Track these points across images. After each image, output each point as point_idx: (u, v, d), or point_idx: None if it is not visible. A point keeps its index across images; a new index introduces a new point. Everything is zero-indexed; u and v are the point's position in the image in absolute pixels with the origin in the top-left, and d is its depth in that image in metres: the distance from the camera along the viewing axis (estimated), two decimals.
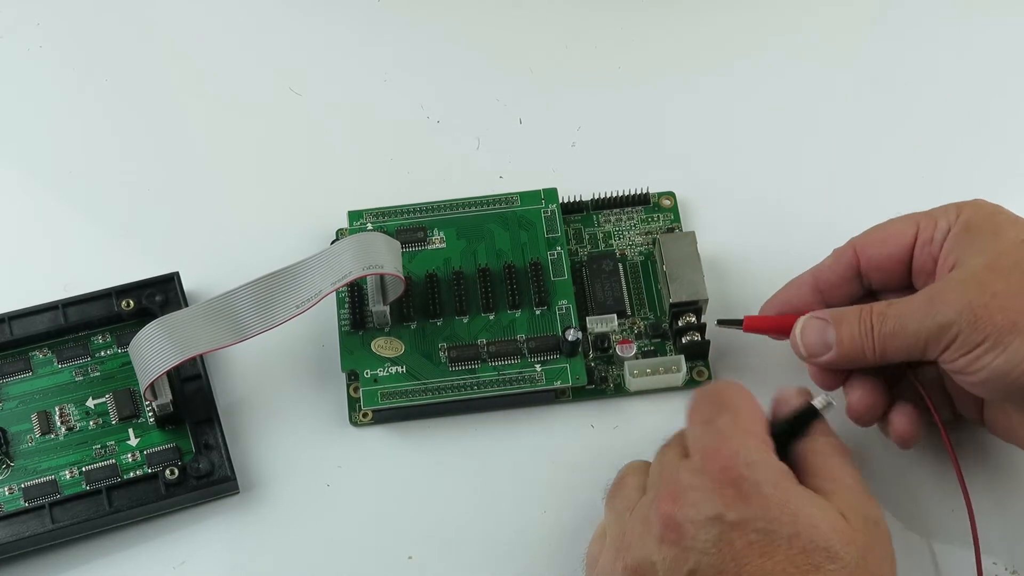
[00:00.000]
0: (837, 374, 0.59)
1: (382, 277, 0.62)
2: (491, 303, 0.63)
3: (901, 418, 0.58)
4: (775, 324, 0.60)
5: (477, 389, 0.62)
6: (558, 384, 0.62)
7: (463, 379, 0.62)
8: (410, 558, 0.59)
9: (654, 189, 0.67)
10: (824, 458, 0.54)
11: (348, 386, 0.63)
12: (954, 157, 0.69)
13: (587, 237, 0.66)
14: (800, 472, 0.53)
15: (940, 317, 0.54)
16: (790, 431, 0.55)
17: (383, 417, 0.62)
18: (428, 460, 0.62)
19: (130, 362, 0.61)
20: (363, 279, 0.62)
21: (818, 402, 0.55)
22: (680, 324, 0.62)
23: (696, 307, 0.63)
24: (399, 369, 0.62)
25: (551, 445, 0.62)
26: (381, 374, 0.62)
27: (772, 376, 0.62)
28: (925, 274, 0.58)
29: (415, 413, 0.62)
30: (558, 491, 0.60)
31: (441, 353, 0.63)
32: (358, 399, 0.62)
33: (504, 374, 0.62)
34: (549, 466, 0.61)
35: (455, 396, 0.61)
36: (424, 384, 0.62)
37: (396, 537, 0.60)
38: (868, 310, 0.56)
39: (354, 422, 0.62)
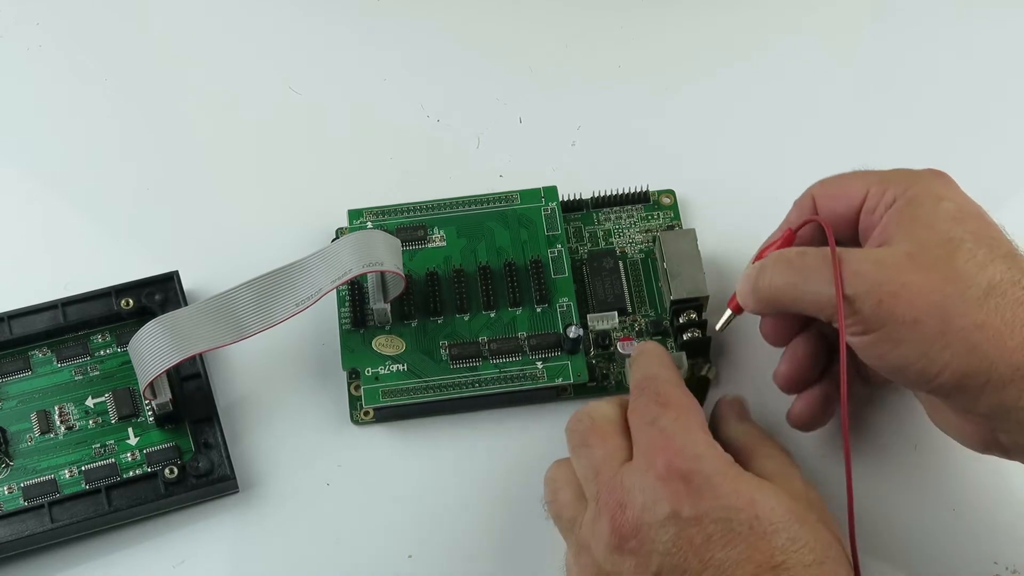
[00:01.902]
0: (780, 332, 0.58)
1: (382, 275, 0.62)
2: (492, 301, 0.63)
3: (803, 399, 0.58)
4: None
5: (478, 387, 0.61)
6: (559, 381, 0.62)
7: (464, 377, 0.62)
8: (410, 557, 0.59)
9: (653, 187, 0.67)
10: (755, 443, 0.54)
11: (349, 384, 0.63)
12: (955, 155, 0.69)
13: (587, 235, 0.66)
14: (736, 458, 0.53)
15: (845, 288, 0.52)
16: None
17: (384, 415, 0.62)
18: (429, 458, 0.62)
19: (129, 361, 0.61)
20: (363, 278, 0.62)
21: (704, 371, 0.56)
22: (681, 321, 0.62)
23: (697, 304, 0.63)
24: (400, 367, 0.62)
25: (553, 442, 0.61)
26: (382, 372, 0.62)
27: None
28: (865, 240, 0.56)
29: (416, 411, 0.62)
30: None
31: (442, 351, 0.62)
32: (359, 397, 0.62)
33: (506, 371, 0.62)
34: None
35: (457, 394, 0.61)
36: (425, 382, 0.62)
37: (396, 536, 0.60)
38: (781, 256, 0.55)
39: (355, 420, 0.62)
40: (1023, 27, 0.74)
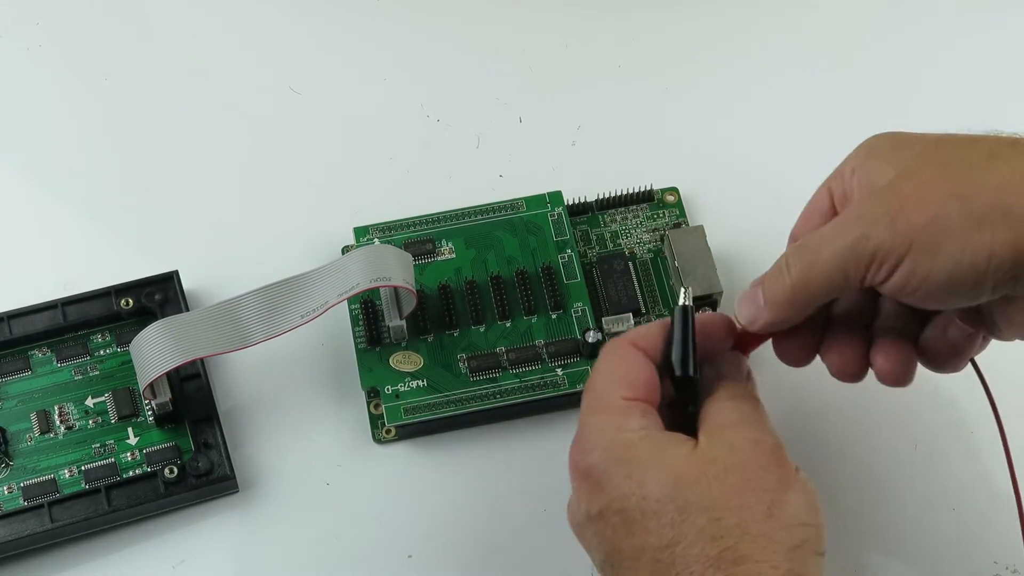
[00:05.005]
0: (806, 346, 0.53)
1: (396, 292, 0.61)
2: (506, 310, 0.63)
3: (885, 359, 0.52)
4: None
5: (500, 398, 0.61)
6: (580, 387, 0.61)
7: (485, 389, 0.61)
8: (410, 556, 0.59)
9: (655, 185, 0.67)
10: (706, 398, 0.51)
11: (368, 403, 0.62)
12: None
13: (594, 238, 0.66)
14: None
15: (853, 232, 0.48)
16: (684, 353, 0.51)
17: (407, 432, 0.62)
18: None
19: (129, 361, 0.61)
20: (376, 296, 0.62)
21: (681, 300, 0.52)
22: None
23: (711, 300, 0.62)
24: (420, 383, 0.61)
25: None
26: (402, 389, 0.61)
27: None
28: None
29: (438, 427, 0.62)
30: None
31: (461, 364, 0.62)
32: (380, 416, 0.61)
33: (526, 381, 0.61)
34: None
35: (479, 406, 0.61)
36: (446, 396, 0.61)
37: (396, 536, 0.60)
38: (783, 254, 0.51)
39: (378, 439, 0.62)
40: (1022, 25, 0.74)
